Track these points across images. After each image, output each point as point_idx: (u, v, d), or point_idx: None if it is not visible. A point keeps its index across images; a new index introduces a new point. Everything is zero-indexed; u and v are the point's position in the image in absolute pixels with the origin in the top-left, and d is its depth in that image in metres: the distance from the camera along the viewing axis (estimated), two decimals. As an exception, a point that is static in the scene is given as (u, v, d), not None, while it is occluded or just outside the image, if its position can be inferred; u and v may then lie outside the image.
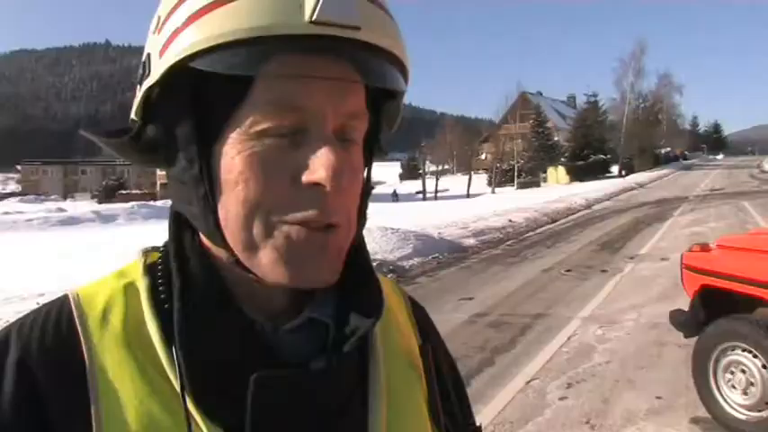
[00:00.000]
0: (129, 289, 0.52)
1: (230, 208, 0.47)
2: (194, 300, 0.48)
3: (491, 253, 10.57)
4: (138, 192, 57.80)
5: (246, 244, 0.47)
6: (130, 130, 0.51)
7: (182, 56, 0.44)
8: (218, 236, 0.48)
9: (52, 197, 64.04)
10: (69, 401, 0.45)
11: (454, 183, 58.41)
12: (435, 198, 46.11)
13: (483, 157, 65.17)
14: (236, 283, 0.51)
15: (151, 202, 31.99)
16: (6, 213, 24.93)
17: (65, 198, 64.65)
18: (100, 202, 46.77)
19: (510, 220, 14.48)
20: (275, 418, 0.47)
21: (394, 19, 0.50)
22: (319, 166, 0.45)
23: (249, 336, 0.50)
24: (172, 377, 0.47)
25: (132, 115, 0.51)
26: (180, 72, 0.45)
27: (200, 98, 0.47)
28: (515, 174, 50.56)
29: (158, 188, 57.60)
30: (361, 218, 0.54)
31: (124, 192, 57.37)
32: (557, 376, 4.25)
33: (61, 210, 27.76)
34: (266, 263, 0.47)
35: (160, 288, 0.50)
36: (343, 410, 0.51)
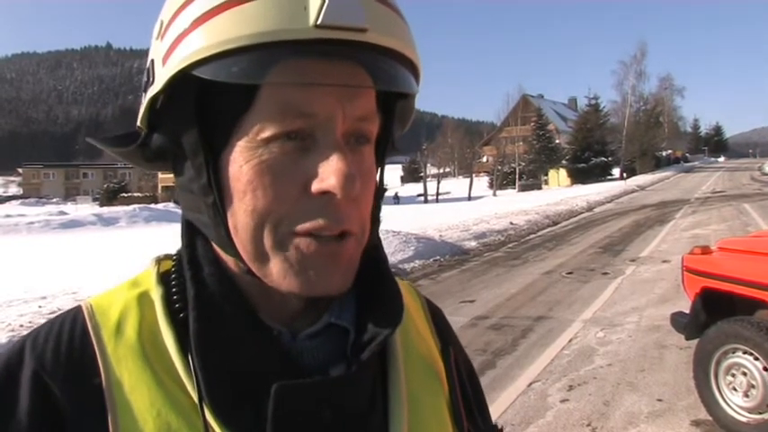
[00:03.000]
0: (143, 298, 0.51)
1: (240, 218, 0.45)
2: (209, 308, 0.47)
3: (492, 255, 10.56)
4: (139, 195, 57.84)
5: (257, 254, 0.46)
6: (138, 135, 0.50)
7: (184, 64, 0.43)
8: (228, 245, 0.47)
9: (54, 200, 64.27)
10: (86, 414, 0.45)
11: (455, 185, 58.49)
12: (437, 201, 46.14)
13: (484, 159, 65.24)
14: (250, 290, 0.49)
15: (153, 206, 32.10)
16: (8, 216, 24.97)
17: (66, 201, 64.71)
18: (101, 205, 46.90)
19: (511, 223, 14.49)
20: (296, 428, 0.46)
21: (404, 18, 0.47)
22: (329, 174, 0.43)
23: (267, 343, 0.48)
24: (189, 387, 0.46)
25: (138, 123, 0.49)
26: (183, 80, 0.44)
27: (206, 106, 0.45)
28: (516, 176, 50.57)
29: (160, 191, 57.70)
30: (375, 220, 0.52)
31: (126, 195, 57.46)
32: (558, 379, 4.24)
33: (63, 213, 27.83)
34: (277, 273, 0.46)
35: (174, 297, 0.49)
36: (364, 417, 0.50)
